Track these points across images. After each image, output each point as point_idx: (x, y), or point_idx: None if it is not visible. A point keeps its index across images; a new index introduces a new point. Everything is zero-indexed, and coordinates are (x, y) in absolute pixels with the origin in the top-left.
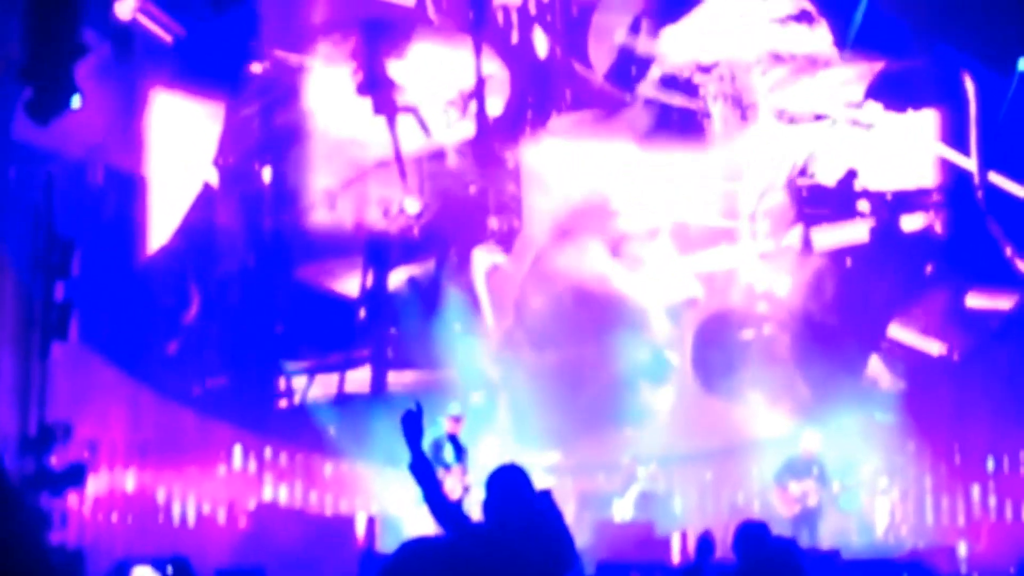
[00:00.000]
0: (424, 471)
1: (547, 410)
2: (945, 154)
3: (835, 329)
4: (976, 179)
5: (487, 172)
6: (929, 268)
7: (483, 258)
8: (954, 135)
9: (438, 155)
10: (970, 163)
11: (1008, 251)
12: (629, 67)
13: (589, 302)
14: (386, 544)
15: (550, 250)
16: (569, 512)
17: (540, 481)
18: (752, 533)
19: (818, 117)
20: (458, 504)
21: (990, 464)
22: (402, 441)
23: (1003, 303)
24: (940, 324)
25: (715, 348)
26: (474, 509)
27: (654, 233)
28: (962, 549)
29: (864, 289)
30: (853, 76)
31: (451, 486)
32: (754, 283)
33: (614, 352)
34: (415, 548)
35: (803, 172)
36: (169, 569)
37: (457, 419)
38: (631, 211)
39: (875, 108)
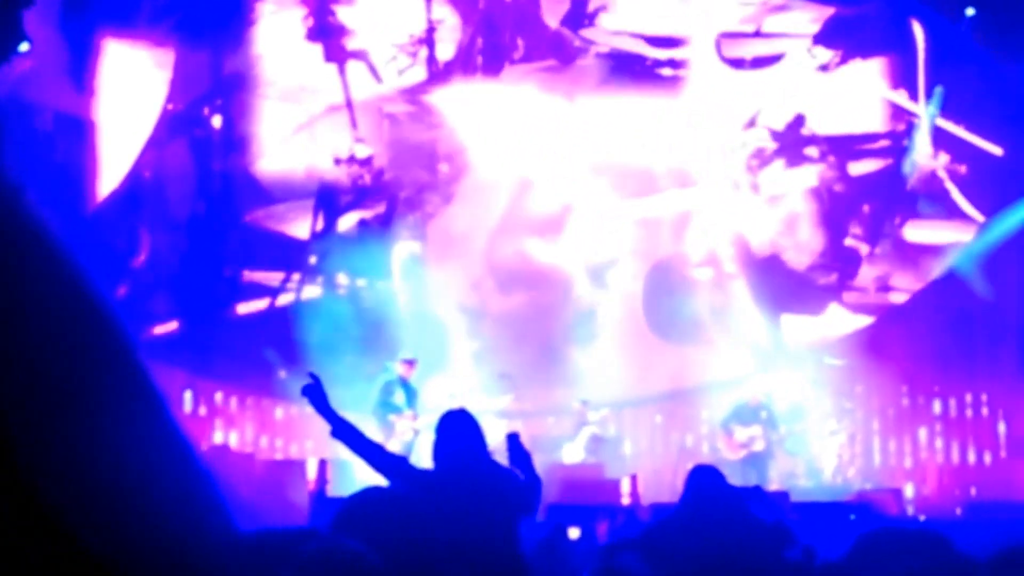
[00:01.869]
0: (348, 434)
1: (506, 355)
2: (894, 99)
3: (801, 272)
4: (924, 124)
5: (438, 118)
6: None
7: (402, 249)
8: (903, 80)
9: (389, 101)
10: (919, 108)
11: (955, 196)
12: (582, 18)
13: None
14: (337, 487)
15: (516, 199)
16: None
17: (492, 425)
18: (705, 476)
19: (770, 61)
20: (397, 455)
21: (937, 407)
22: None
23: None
24: (894, 267)
25: (666, 293)
26: (424, 453)
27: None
28: (909, 491)
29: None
30: (805, 21)
31: (402, 430)
32: (715, 225)
33: (557, 305)
34: (367, 497)
35: (754, 122)
36: None
37: (410, 363)
38: (557, 176)
39: (825, 54)
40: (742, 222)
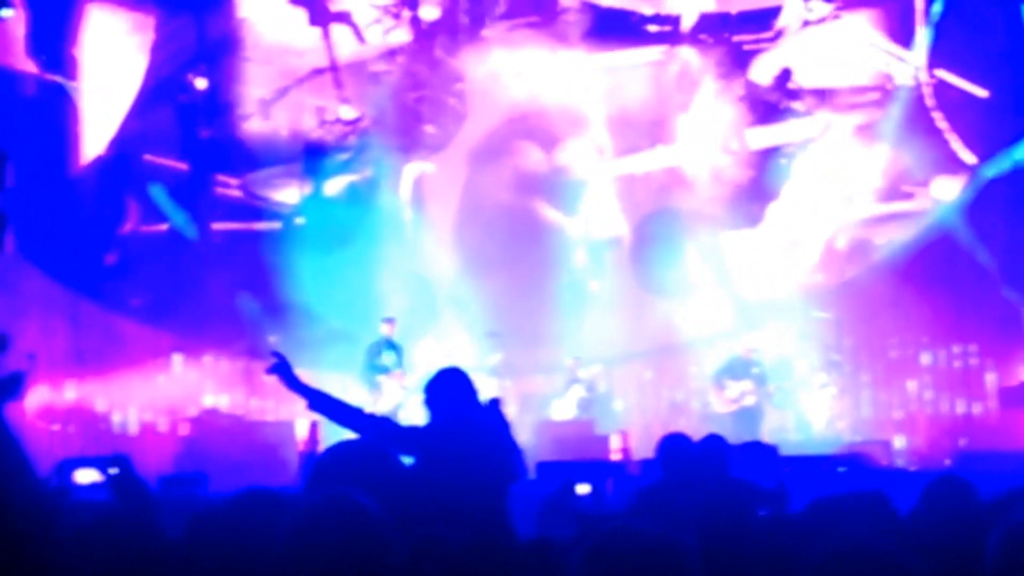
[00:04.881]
0: (325, 405)
1: (495, 313)
2: (892, 51)
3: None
4: (923, 75)
5: (423, 80)
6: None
7: (413, 169)
8: (894, 31)
9: (373, 62)
10: (916, 58)
11: (953, 144)
12: None
13: (523, 217)
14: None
15: (488, 161)
16: (510, 413)
17: (482, 384)
18: (674, 446)
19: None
20: (380, 416)
21: (926, 358)
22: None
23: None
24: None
25: (654, 247)
26: (414, 413)
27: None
28: (898, 442)
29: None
30: None
31: (391, 390)
32: (702, 173)
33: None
34: (344, 450)
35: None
36: (112, 469)
37: (391, 322)
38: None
39: (823, 8)
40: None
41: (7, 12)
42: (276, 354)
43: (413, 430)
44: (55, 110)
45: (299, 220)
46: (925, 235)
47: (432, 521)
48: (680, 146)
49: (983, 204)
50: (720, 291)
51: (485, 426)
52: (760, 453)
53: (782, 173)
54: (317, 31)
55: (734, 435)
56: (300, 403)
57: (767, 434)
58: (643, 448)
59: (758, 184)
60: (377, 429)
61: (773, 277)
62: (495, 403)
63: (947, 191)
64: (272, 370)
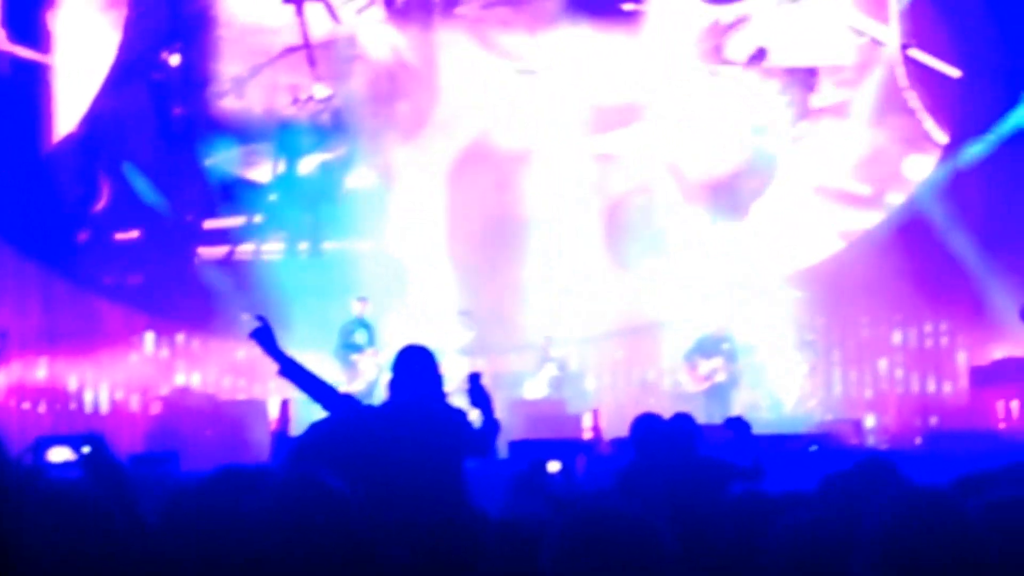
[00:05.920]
0: (296, 372)
1: (467, 292)
2: (864, 28)
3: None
4: (896, 54)
5: (396, 58)
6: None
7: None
8: (875, 9)
9: (348, 41)
10: (890, 37)
11: (927, 124)
12: None
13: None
14: (299, 427)
15: (462, 139)
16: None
17: (454, 363)
18: (647, 427)
19: None
20: (344, 393)
21: (897, 337)
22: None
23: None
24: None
25: (627, 226)
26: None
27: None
28: (869, 421)
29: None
30: None
31: (365, 368)
32: (667, 157)
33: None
34: (323, 428)
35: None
36: (85, 448)
37: (364, 301)
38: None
39: None
40: (681, 149)
41: None
42: (260, 318)
43: (372, 409)
44: (27, 87)
45: (272, 198)
46: (897, 214)
47: (392, 501)
48: (659, 128)
49: (957, 183)
50: (692, 269)
51: (444, 405)
52: (738, 428)
53: (768, 169)
54: (291, 9)
55: (706, 413)
56: (272, 382)
57: (738, 412)
58: (614, 427)
59: (742, 179)
60: (342, 406)
61: (748, 258)
62: (475, 377)
63: (920, 170)
64: (253, 334)
